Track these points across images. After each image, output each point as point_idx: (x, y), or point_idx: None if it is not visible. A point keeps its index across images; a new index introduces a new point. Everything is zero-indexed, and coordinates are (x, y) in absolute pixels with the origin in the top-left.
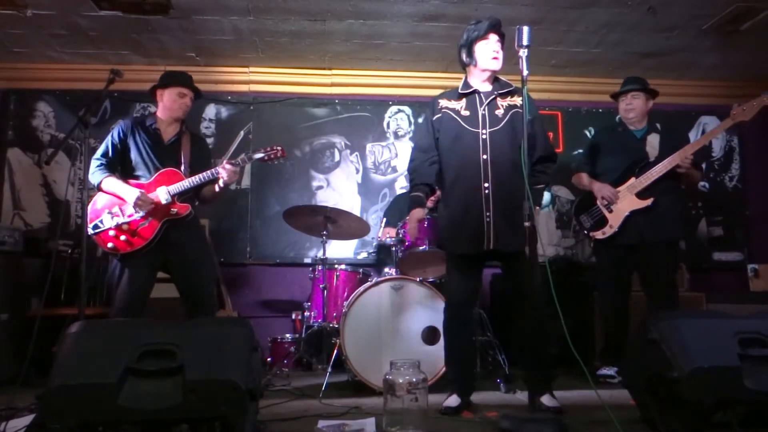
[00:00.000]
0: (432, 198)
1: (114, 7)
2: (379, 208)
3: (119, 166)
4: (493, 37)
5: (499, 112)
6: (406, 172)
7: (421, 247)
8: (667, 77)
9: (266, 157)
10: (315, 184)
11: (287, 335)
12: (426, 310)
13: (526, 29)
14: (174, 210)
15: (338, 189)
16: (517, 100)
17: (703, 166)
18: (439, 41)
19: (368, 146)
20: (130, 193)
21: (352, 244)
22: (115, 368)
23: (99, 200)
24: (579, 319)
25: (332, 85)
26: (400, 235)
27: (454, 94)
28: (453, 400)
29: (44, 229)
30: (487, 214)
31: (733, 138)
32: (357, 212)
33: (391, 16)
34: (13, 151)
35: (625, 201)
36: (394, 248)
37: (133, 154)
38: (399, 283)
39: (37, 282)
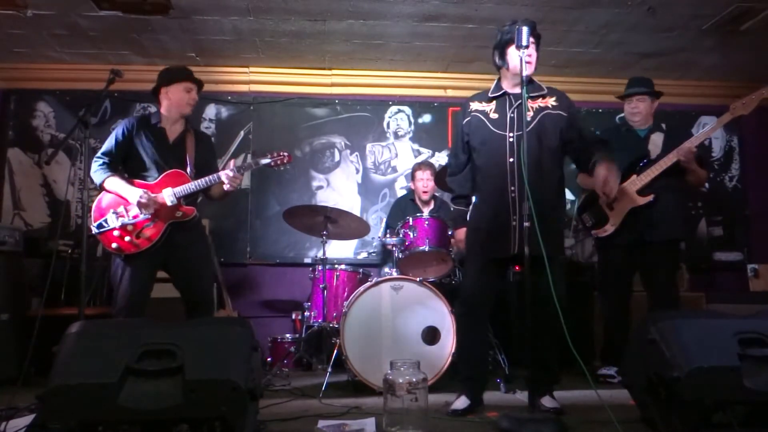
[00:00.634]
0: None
1: (114, 7)
2: (380, 208)
3: (122, 164)
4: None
5: (528, 114)
6: (407, 172)
7: (421, 247)
8: (667, 77)
9: (272, 163)
10: (315, 184)
11: (287, 335)
12: (426, 310)
13: (525, 30)
14: (180, 213)
15: (338, 189)
16: (549, 101)
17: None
18: (439, 41)
19: (368, 146)
20: (133, 193)
21: (352, 244)
22: (115, 368)
23: (104, 199)
24: (579, 319)
25: (332, 85)
26: (400, 235)
27: (484, 96)
28: (461, 402)
29: (44, 229)
30: (514, 218)
31: (733, 138)
32: (357, 212)
33: (391, 16)
34: (13, 151)
35: (626, 198)
36: (394, 248)
37: (137, 154)
38: (399, 283)
39: (37, 282)
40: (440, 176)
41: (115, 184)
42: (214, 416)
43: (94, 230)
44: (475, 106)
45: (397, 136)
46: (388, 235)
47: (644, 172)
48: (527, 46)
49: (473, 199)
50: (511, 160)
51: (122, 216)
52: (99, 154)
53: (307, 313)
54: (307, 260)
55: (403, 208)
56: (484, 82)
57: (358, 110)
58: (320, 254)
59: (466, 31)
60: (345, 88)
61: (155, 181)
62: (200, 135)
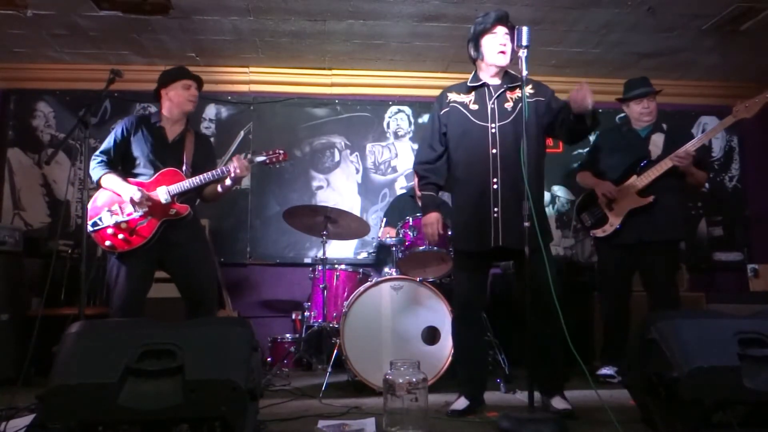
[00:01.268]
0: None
1: (114, 7)
2: (379, 208)
3: (121, 163)
4: (501, 30)
5: (509, 105)
6: (407, 172)
7: (421, 247)
8: (667, 77)
9: (268, 161)
10: (315, 184)
11: (287, 335)
12: (426, 310)
13: (525, 29)
14: (173, 210)
15: (338, 189)
16: (527, 90)
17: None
18: (439, 41)
19: (368, 146)
20: (127, 190)
21: (352, 244)
22: (115, 368)
23: (99, 197)
24: (579, 319)
25: (332, 85)
26: (400, 235)
27: (463, 87)
28: (460, 403)
29: (44, 229)
30: (495, 210)
31: (733, 138)
32: (357, 212)
33: (391, 16)
34: (13, 151)
35: (626, 199)
36: (394, 248)
37: (136, 152)
38: (399, 283)
39: (37, 282)
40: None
41: (111, 181)
42: (214, 416)
43: (89, 228)
44: (453, 96)
45: (397, 136)
46: (385, 233)
47: (644, 173)
48: (527, 46)
49: (449, 195)
50: (494, 151)
51: (116, 214)
52: (97, 152)
53: (307, 313)
54: (307, 260)
55: (402, 206)
56: None
57: (358, 110)
58: (320, 254)
59: (466, 31)
60: (345, 88)
61: (150, 180)
62: (200, 136)
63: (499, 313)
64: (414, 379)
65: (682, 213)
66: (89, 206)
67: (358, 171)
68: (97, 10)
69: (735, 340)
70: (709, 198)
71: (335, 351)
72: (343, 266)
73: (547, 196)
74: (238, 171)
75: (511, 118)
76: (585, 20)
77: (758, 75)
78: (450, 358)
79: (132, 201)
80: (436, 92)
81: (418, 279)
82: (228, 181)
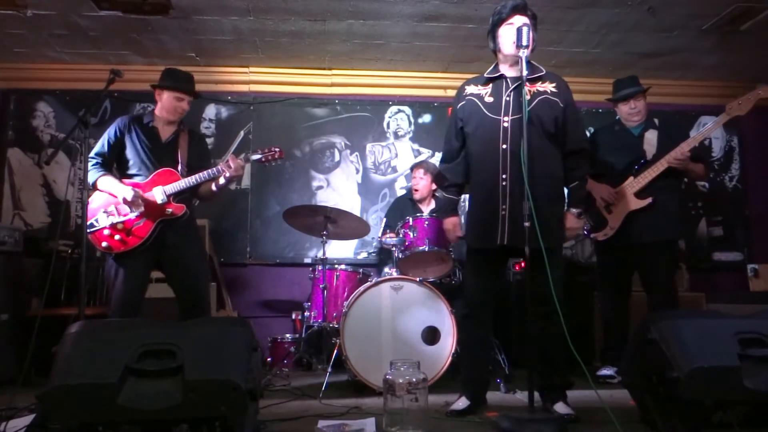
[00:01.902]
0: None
1: (114, 7)
2: (379, 208)
3: (115, 164)
4: (519, 20)
5: (525, 98)
6: (407, 172)
7: (421, 247)
8: (667, 77)
9: (263, 159)
10: (315, 184)
11: (287, 335)
12: (426, 310)
13: (525, 29)
14: (169, 210)
15: (338, 189)
16: (548, 86)
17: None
18: (439, 41)
19: (368, 146)
20: (121, 191)
21: (352, 244)
22: (115, 368)
23: (95, 199)
24: (579, 319)
25: (332, 85)
26: (401, 236)
27: (481, 79)
28: (461, 403)
29: (44, 229)
30: (503, 207)
31: (732, 138)
32: (357, 212)
33: (391, 16)
34: (13, 151)
35: (623, 201)
36: (394, 248)
37: (130, 153)
38: (399, 283)
39: (37, 282)
40: (438, 174)
41: (107, 183)
42: (214, 416)
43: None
44: (470, 89)
45: (397, 136)
46: (387, 235)
47: (641, 175)
48: (527, 46)
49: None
50: (504, 146)
51: (112, 215)
52: (92, 154)
53: (307, 313)
54: (307, 260)
55: (402, 207)
56: None
57: (358, 110)
58: (320, 254)
59: (466, 31)
60: (345, 88)
61: (146, 180)
62: (194, 135)
63: (499, 313)
64: (414, 379)
65: (680, 213)
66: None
67: (358, 171)
68: (97, 10)
69: (735, 340)
70: (709, 198)
71: (335, 351)
72: (343, 266)
73: None
74: (233, 171)
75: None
76: (585, 20)
77: (758, 75)
78: (450, 358)
79: (125, 201)
80: (436, 92)
81: (418, 279)
82: (222, 180)
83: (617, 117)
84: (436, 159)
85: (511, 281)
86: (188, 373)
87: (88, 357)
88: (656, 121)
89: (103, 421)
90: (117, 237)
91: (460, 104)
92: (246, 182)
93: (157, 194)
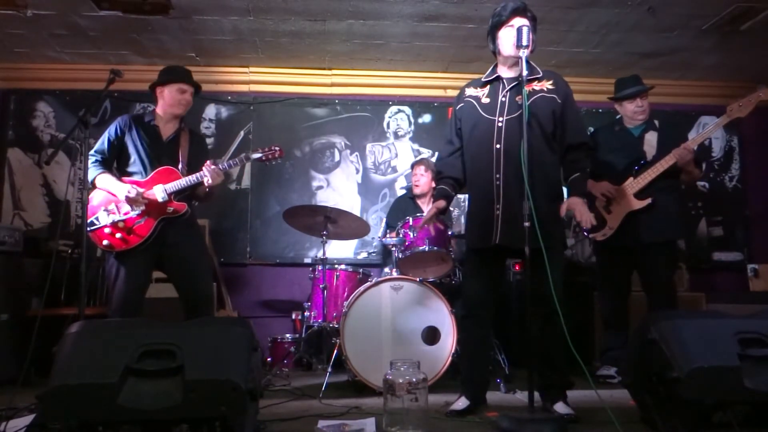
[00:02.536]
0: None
1: (114, 7)
2: (380, 208)
3: (115, 162)
4: (518, 22)
5: (520, 98)
6: (407, 172)
7: (421, 247)
8: (667, 77)
9: (264, 157)
10: (315, 184)
11: (287, 335)
12: (426, 310)
13: (525, 29)
14: (171, 208)
15: (338, 189)
16: (545, 84)
17: (703, 165)
18: (439, 41)
19: (368, 146)
20: (121, 189)
21: (352, 244)
22: (115, 368)
23: (95, 197)
24: (579, 319)
25: (332, 85)
26: (401, 236)
27: (479, 82)
28: (461, 403)
29: (44, 229)
30: (497, 207)
31: (733, 138)
32: (357, 212)
33: (391, 16)
34: (13, 151)
35: (623, 202)
36: (394, 248)
37: (131, 151)
38: (399, 283)
39: (37, 282)
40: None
41: (106, 181)
42: (214, 416)
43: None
44: (469, 91)
45: (397, 136)
46: (387, 235)
47: (641, 175)
48: (527, 46)
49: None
50: (498, 146)
51: (113, 213)
52: (92, 151)
53: (307, 313)
54: (307, 260)
55: (403, 207)
56: None
57: (358, 110)
58: (320, 254)
59: (466, 31)
60: (345, 88)
61: (147, 178)
62: (195, 135)
63: (499, 313)
64: (414, 379)
65: (679, 213)
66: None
67: (358, 171)
68: (97, 10)
69: (735, 340)
70: (709, 198)
71: (335, 351)
72: (343, 266)
73: None
74: (209, 181)
75: (520, 111)
76: (585, 20)
77: (758, 75)
78: (450, 358)
79: (128, 199)
80: (437, 92)
81: (418, 279)
82: (206, 183)
83: (618, 117)
84: (436, 158)
85: (511, 281)
86: (188, 373)
87: (88, 357)
88: (656, 122)
89: (103, 421)
90: (118, 235)
91: (459, 106)
92: (246, 182)
93: (158, 192)
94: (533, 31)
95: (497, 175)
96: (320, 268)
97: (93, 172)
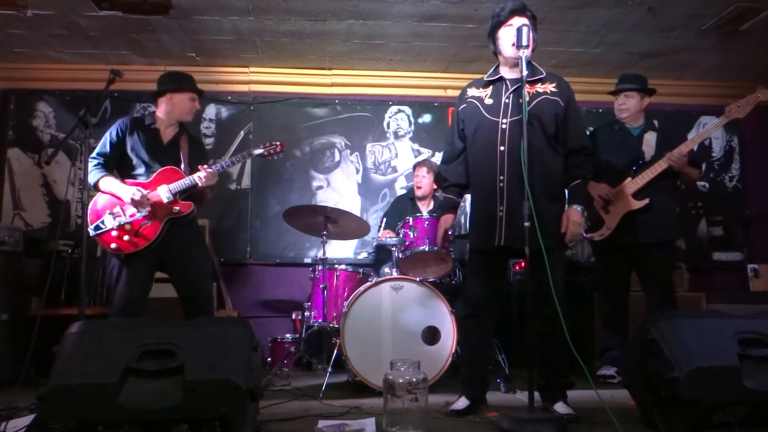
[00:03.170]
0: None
1: (114, 7)
2: (380, 208)
3: (116, 165)
4: (518, 21)
5: (525, 99)
6: (407, 172)
7: (421, 247)
8: (667, 77)
9: (265, 153)
10: (315, 184)
11: (287, 335)
12: (426, 310)
13: (525, 29)
14: (176, 208)
15: (338, 189)
16: (548, 87)
17: (703, 166)
18: (439, 41)
19: (368, 146)
20: (126, 191)
21: (352, 244)
22: (115, 368)
23: (99, 200)
24: (579, 319)
25: (332, 85)
26: (400, 236)
27: (481, 82)
28: (461, 403)
29: (44, 229)
30: (501, 208)
31: (733, 138)
32: (357, 212)
33: (391, 16)
34: (13, 151)
35: (621, 202)
36: (394, 248)
37: (132, 154)
38: (399, 283)
39: (37, 282)
40: (438, 175)
41: (109, 183)
42: (214, 416)
43: (92, 232)
44: (471, 92)
45: (397, 136)
46: (385, 234)
47: (639, 175)
48: (527, 46)
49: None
50: (502, 148)
51: (119, 216)
52: (93, 154)
53: (307, 313)
54: (307, 260)
55: (402, 207)
56: None
57: (358, 110)
58: (320, 254)
59: (466, 31)
60: (345, 88)
61: (149, 180)
62: (193, 138)
63: (499, 313)
64: (414, 379)
65: (677, 213)
66: (89, 210)
67: (358, 171)
68: (97, 10)
69: (735, 340)
70: (709, 198)
71: (335, 351)
72: (343, 266)
73: None
74: (203, 182)
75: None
76: (585, 20)
77: (758, 75)
78: (450, 358)
79: (133, 201)
80: (437, 92)
81: (418, 279)
82: (200, 185)
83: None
84: (437, 159)
85: (511, 281)
86: (188, 373)
87: (88, 357)
88: (656, 122)
89: (103, 421)
90: (126, 238)
91: (462, 106)
92: (246, 182)
93: (162, 193)
94: (533, 30)
95: (501, 177)
96: (320, 268)
97: (95, 175)
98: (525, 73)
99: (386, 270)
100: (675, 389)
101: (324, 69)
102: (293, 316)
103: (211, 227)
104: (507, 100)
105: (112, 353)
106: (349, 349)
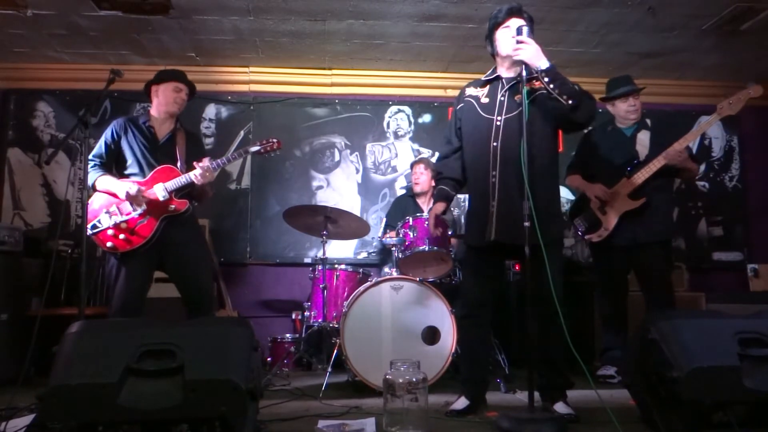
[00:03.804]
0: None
1: (114, 7)
2: (380, 208)
3: (114, 165)
4: (515, 23)
5: (519, 97)
6: (407, 172)
7: (421, 247)
8: (667, 77)
9: (262, 149)
10: (315, 184)
11: (287, 335)
12: (426, 310)
13: (525, 29)
14: (172, 206)
15: (338, 189)
16: (541, 85)
17: (702, 165)
18: (439, 41)
19: (368, 146)
20: (121, 187)
21: (352, 244)
22: (115, 368)
23: (96, 200)
24: (579, 319)
25: (332, 85)
26: (401, 236)
27: (479, 82)
28: (461, 403)
29: (44, 229)
30: (492, 203)
31: (733, 138)
32: (357, 212)
33: (391, 16)
34: (13, 151)
35: (617, 202)
36: (394, 248)
37: (127, 154)
38: (399, 283)
39: (37, 282)
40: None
41: (106, 182)
42: (214, 416)
43: (89, 231)
44: (469, 91)
45: (397, 136)
46: (387, 235)
47: (634, 175)
48: (523, 41)
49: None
50: (494, 144)
51: (115, 214)
52: (90, 156)
53: (307, 313)
54: (307, 260)
55: (403, 206)
56: None
57: (358, 110)
58: (320, 254)
59: (466, 31)
60: (345, 88)
61: (146, 178)
62: (191, 134)
63: (499, 313)
64: (414, 379)
65: (673, 212)
66: (88, 210)
67: (358, 171)
68: (97, 10)
69: (735, 340)
70: (709, 198)
71: (335, 351)
72: (343, 266)
73: None
74: (199, 179)
75: (518, 110)
76: (585, 20)
77: (758, 75)
78: (450, 358)
79: (128, 195)
80: (436, 92)
81: (418, 279)
82: (197, 182)
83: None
84: (436, 158)
85: (511, 281)
86: (188, 373)
87: (88, 357)
88: (648, 122)
89: (103, 421)
90: (121, 236)
91: (460, 106)
92: (246, 182)
93: (158, 191)
94: (531, 31)
95: (493, 173)
96: (320, 268)
97: (93, 175)
98: (525, 73)
99: (386, 270)
100: (675, 389)
101: (324, 69)
102: (293, 316)
103: (211, 227)
104: (503, 98)
105: (112, 353)
106: (349, 349)
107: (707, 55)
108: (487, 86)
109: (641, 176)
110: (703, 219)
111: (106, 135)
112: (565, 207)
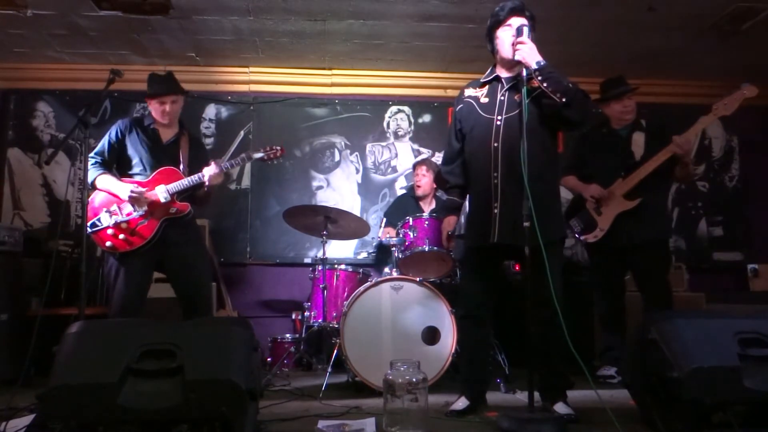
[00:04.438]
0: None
1: (114, 7)
2: (379, 208)
3: (115, 165)
4: (516, 22)
5: (519, 96)
6: (407, 172)
7: (421, 247)
8: (666, 77)
9: (266, 157)
10: (315, 184)
11: (287, 335)
12: (426, 310)
13: (525, 29)
14: (174, 209)
15: (338, 189)
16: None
17: (703, 166)
18: (439, 41)
19: (368, 146)
20: (124, 189)
21: (352, 244)
22: (115, 368)
23: (97, 198)
24: (578, 319)
25: (332, 85)
26: (401, 235)
27: (478, 82)
28: (461, 403)
29: (44, 229)
30: (495, 204)
31: (733, 138)
32: (357, 212)
33: (391, 16)
34: (13, 151)
35: (613, 203)
36: (394, 248)
37: (131, 154)
38: (399, 283)
39: (37, 282)
40: (439, 176)
41: (107, 181)
42: (214, 416)
43: (88, 230)
44: (468, 92)
45: (397, 136)
46: (385, 232)
47: (630, 176)
48: (521, 41)
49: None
50: (495, 144)
51: (115, 214)
52: (92, 153)
53: (307, 313)
54: (307, 260)
55: (404, 206)
56: None
57: (358, 110)
58: (320, 254)
59: (466, 31)
60: (345, 88)
61: (148, 179)
62: (195, 139)
63: (499, 313)
64: (414, 379)
65: (668, 212)
66: (87, 207)
67: (358, 171)
68: (97, 10)
69: (735, 340)
70: (709, 198)
71: (335, 351)
72: (343, 266)
73: None
74: (207, 180)
75: (518, 110)
76: (585, 20)
77: (758, 75)
78: (450, 358)
79: (130, 198)
80: (436, 92)
81: (418, 279)
82: (205, 183)
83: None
84: (436, 159)
85: (510, 281)
86: (188, 373)
87: (88, 357)
88: (643, 122)
89: (103, 421)
90: (121, 236)
91: (459, 107)
92: (246, 182)
93: (160, 193)
94: (532, 30)
95: (495, 174)
96: (320, 268)
97: (93, 173)
98: (525, 73)
99: (386, 270)
100: (675, 389)
101: (324, 69)
102: (293, 316)
103: (211, 227)
104: (502, 98)
105: (112, 353)
106: (349, 349)
107: (707, 55)
108: (486, 87)
109: (637, 176)
110: (703, 219)
111: (110, 134)
112: (565, 206)
